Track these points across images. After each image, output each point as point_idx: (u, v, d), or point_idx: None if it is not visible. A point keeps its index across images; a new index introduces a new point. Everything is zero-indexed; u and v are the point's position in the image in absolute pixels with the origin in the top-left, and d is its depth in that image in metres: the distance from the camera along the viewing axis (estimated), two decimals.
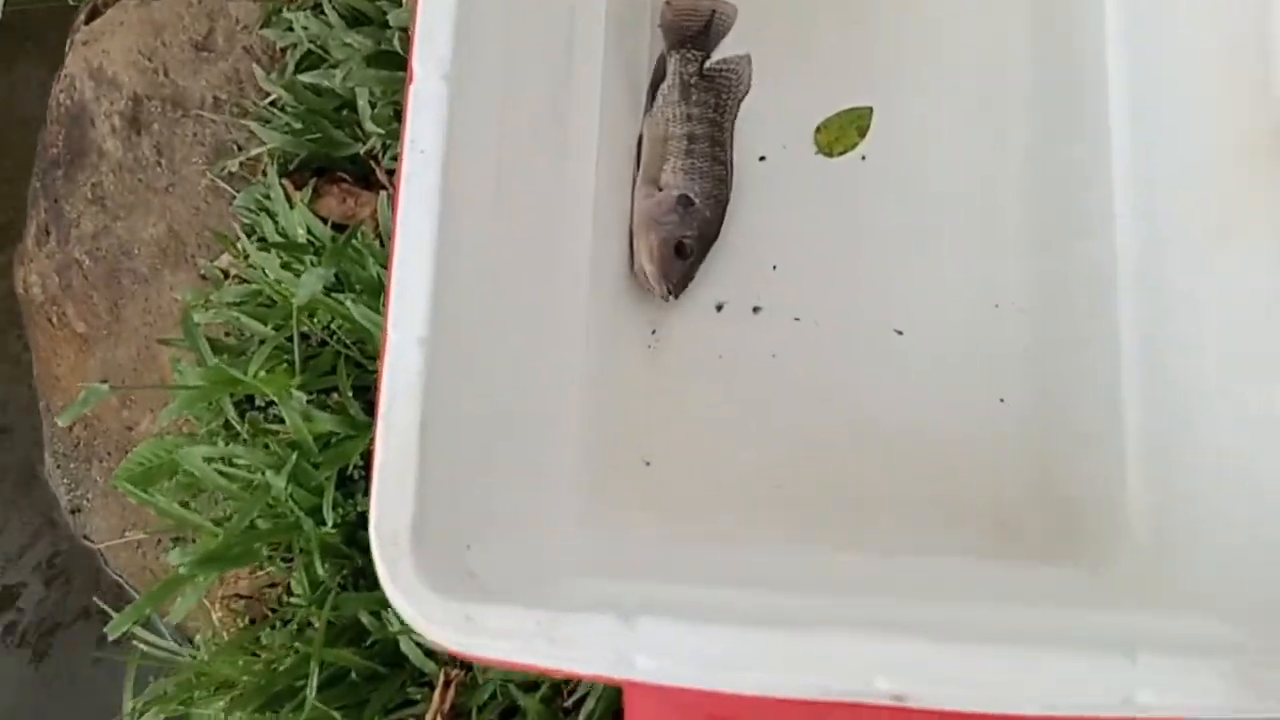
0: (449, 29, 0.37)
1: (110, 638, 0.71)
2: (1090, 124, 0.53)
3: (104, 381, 0.83)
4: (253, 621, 0.74)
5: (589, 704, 0.62)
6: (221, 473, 0.70)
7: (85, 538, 1.02)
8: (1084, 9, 0.56)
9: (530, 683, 0.64)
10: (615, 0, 0.61)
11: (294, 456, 0.66)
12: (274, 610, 0.75)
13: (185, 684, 0.70)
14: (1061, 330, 0.56)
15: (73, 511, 1.02)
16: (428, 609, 0.33)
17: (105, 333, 0.88)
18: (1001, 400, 0.59)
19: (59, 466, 1.01)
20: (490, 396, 0.40)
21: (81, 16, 0.88)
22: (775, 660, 0.32)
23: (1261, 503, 0.37)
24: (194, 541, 0.73)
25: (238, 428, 0.73)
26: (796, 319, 0.64)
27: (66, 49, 0.90)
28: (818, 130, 0.67)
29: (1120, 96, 0.49)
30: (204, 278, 0.82)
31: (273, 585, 0.75)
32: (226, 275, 0.81)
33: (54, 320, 0.92)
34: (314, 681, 0.60)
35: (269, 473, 0.67)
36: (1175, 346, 0.45)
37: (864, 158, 0.66)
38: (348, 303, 0.66)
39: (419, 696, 0.66)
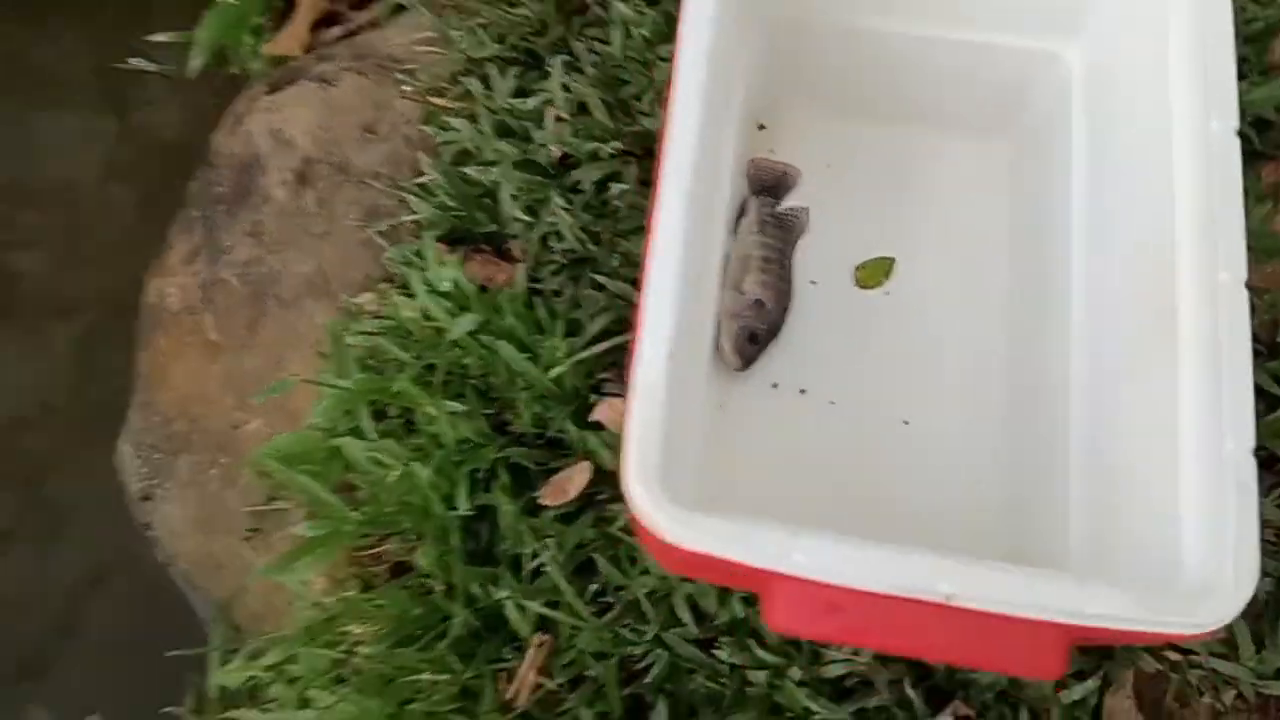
0: (690, 166, 0.60)
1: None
2: (1056, 299, 0.80)
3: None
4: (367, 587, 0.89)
5: (655, 670, 0.81)
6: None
7: (146, 525, 1.14)
8: (1051, 221, 0.83)
9: (601, 652, 0.82)
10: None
11: (439, 452, 0.85)
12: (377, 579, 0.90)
13: (308, 630, 0.86)
14: (1027, 434, 0.81)
15: (143, 499, 1.14)
16: (671, 518, 0.53)
17: (238, 344, 1.05)
18: (977, 484, 0.84)
19: (139, 455, 1.13)
20: (684, 394, 0.61)
21: (263, 87, 1.09)
22: (878, 568, 0.53)
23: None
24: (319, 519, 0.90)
25: (372, 432, 0.91)
26: (832, 402, 0.88)
27: (240, 109, 1.10)
28: (858, 268, 0.92)
29: (1080, 290, 0.76)
30: (344, 310, 1.00)
31: (377, 562, 0.91)
32: (363, 314, 0.99)
33: (186, 327, 1.08)
34: (458, 615, 0.78)
35: (415, 464, 0.85)
36: (1106, 440, 0.70)
37: (888, 293, 0.91)
38: (499, 344, 0.86)
39: (510, 656, 0.83)
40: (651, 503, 0.54)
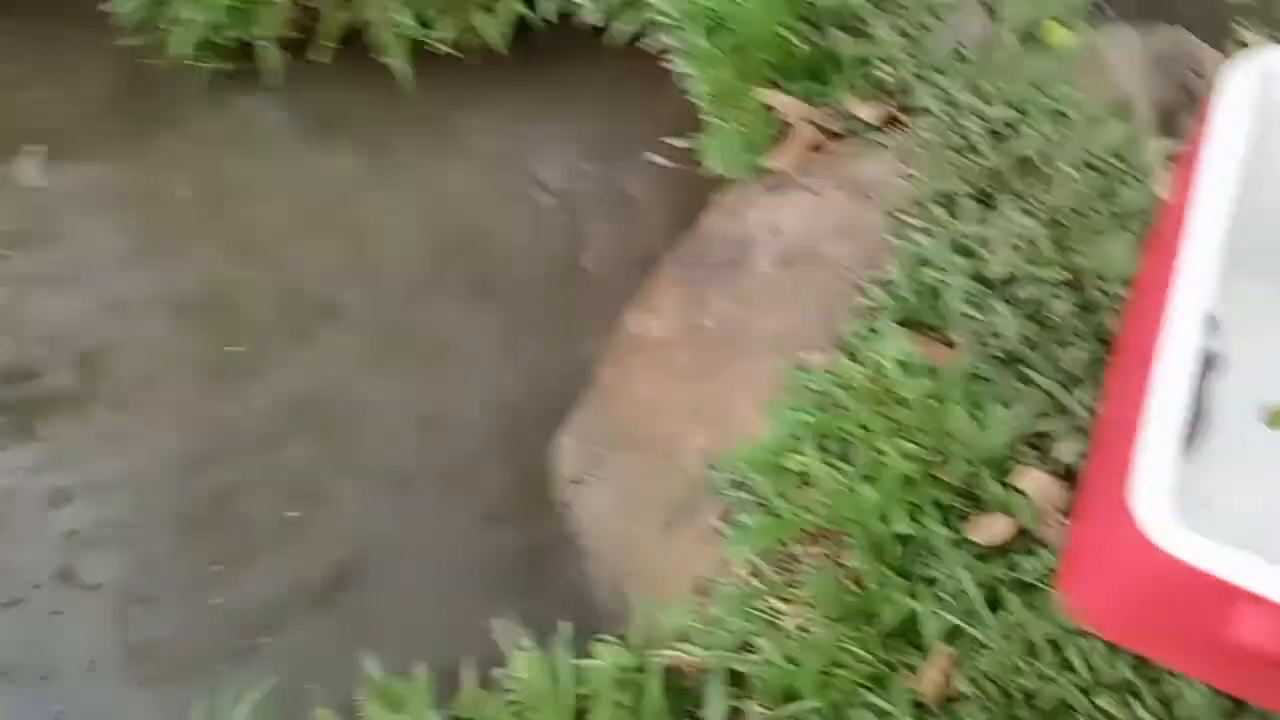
0: (1194, 302, 0.79)
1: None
2: None
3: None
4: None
5: (1043, 702, 0.94)
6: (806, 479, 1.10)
7: (565, 504, 1.40)
8: None
9: (996, 676, 0.97)
10: None
11: (884, 481, 1.05)
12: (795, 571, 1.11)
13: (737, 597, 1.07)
14: None
15: (573, 481, 1.41)
16: (1173, 536, 0.70)
17: (702, 375, 1.32)
18: None
19: (580, 446, 1.41)
20: None
21: (759, 188, 1.40)
22: None
23: None
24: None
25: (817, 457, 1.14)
26: (1232, 518, 1.00)
27: (734, 201, 1.41)
28: (1269, 411, 1.05)
29: None
30: (798, 364, 1.25)
31: (794, 560, 1.12)
32: (814, 369, 1.24)
33: (660, 354, 1.37)
34: (888, 612, 0.96)
35: (864, 486, 1.06)
36: None
37: None
38: (950, 407, 1.07)
39: (913, 657, 1.00)
40: (1163, 519, 0.71)
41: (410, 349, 1.59)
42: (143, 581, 1.42)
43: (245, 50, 1.75)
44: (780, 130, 1.45)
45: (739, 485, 1.16)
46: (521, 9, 1.69)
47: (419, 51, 1.73)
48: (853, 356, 1.21)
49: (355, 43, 1.74)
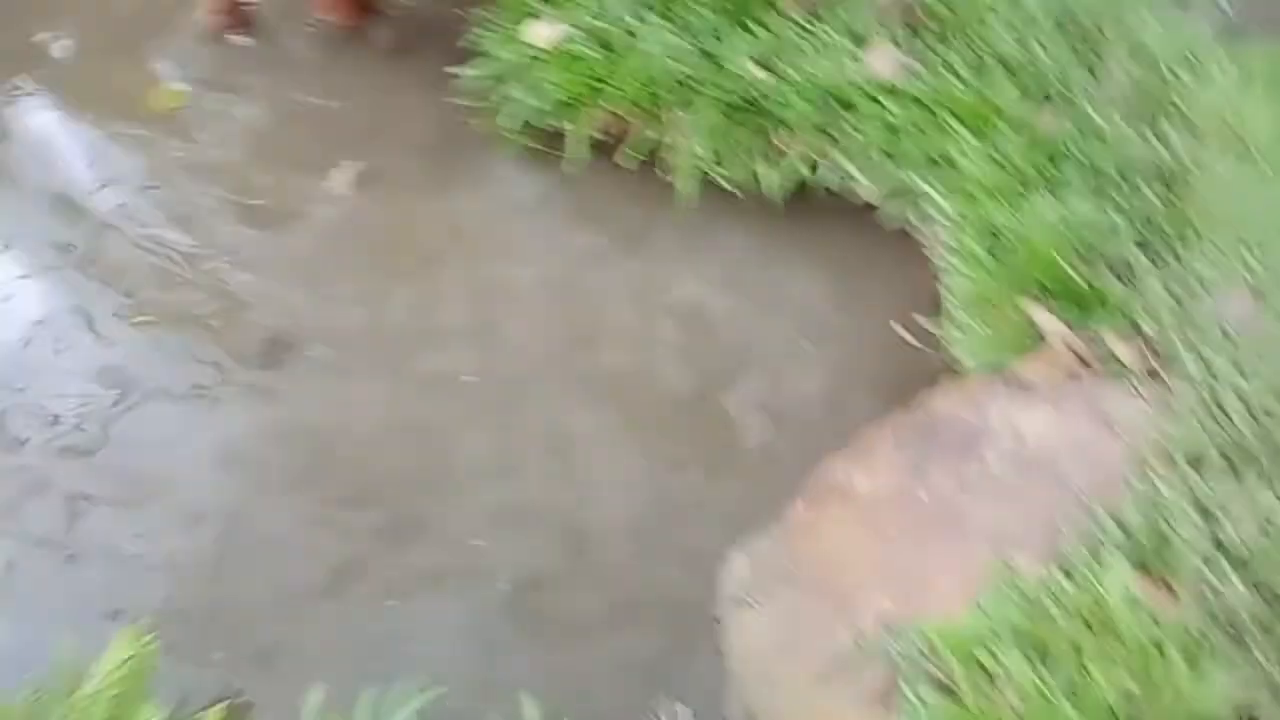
0: None
1: None
2: None
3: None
4: None
5: None
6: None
7: (716, 618, 1.43)
8: None
9: None
10: None
11: (1088, 701, 1.05)
12: None
13: None
14: None
15: (734, 599, 1.44)
16: None
17: (898, 540, 1.35)
18: None
19: (752, 569, 1.45)
20: None
21: (1002, 383, 1.46)
22: None
23: None
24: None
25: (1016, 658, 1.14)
26: None
27: (976, 389, 1.47)
28: None
29: None
30: (1006, 563, 1.27)
31: None
32: (1022, 574, 1.26)
33: (860, 508, 1.41)
34: None
35: (1061, 698, 1.06)
36: None
37: None
38: (1169, 654, 1.07)
39: None
40: None
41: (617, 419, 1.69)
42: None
43: (557, 138, 1.97)
44: (1033, 340, 1.52)
45: (918, 660, 1.18)
46: (805, 172, 1.84)
47: (704, 180, 1.90)
48: (1069, 575, 1.22)
49: (652, 157, 1.94)
